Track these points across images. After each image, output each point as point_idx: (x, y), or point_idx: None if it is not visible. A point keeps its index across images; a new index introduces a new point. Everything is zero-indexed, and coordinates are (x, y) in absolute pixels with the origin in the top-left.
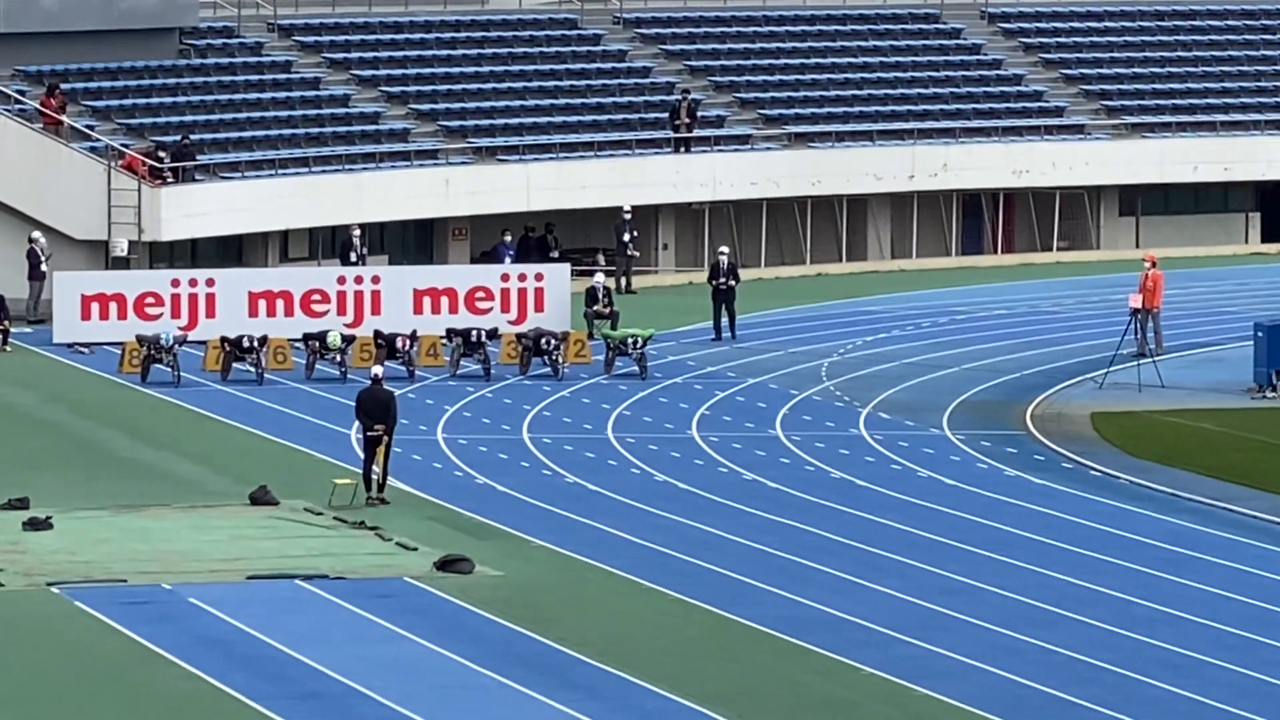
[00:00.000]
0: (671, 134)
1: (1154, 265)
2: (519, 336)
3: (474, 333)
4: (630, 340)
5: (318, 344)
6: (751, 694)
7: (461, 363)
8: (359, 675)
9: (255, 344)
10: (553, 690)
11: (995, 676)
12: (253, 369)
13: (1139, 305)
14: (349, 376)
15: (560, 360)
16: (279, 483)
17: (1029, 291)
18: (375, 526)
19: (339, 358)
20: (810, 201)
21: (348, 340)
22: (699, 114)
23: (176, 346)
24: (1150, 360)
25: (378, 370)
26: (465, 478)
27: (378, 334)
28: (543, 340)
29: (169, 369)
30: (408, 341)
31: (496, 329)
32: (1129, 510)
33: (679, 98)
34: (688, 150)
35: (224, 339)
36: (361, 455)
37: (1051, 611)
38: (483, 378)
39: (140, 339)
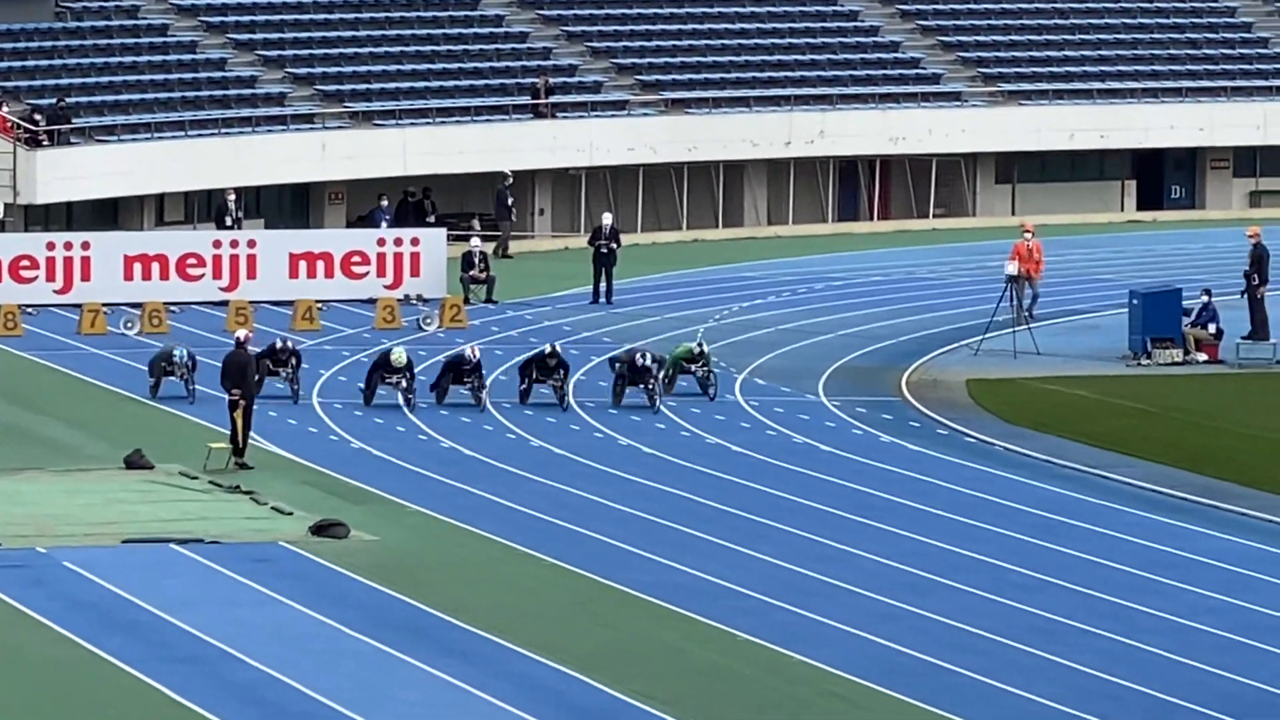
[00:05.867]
0: (535, 103)
1: (1032, 234)
2: (611, 360)
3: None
4: (694, 359)
5: (382, 370)
6: (628, 660)
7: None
8: (234, 639)
9: (292, 354)
10: (427, 655)
11: (871, 643)
12: (287, 384)
13: (1015, 272)
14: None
15: (655, 390)
16: (154, 447)
17: (905, 258)
18: (250, 491)
19: (403, 381)
20: (687, 167)
21: (410, 364)
22: (575, 79)
23: (190, 363)
24: (1026, 327)
25: (241, 333)
26: (340, 442)
27: (447, 365)
28: (638, 358)
29: (182, 382)
30: (474, 354)
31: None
32: (1004, 477)
33: (537, 81)
34: (554, 117)
35: (260, 356)
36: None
37: (927, 578)
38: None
39: (153, 362)
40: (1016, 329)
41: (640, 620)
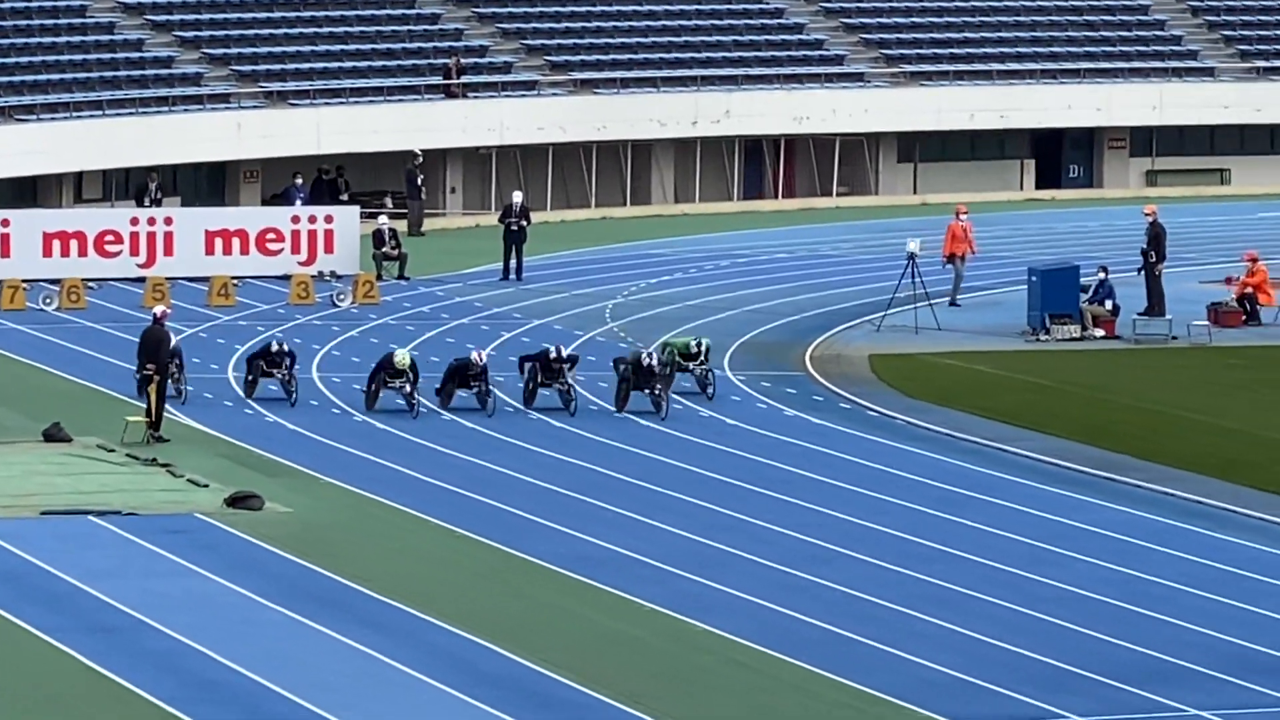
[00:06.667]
0: (447, 83)
1: (966, 214)
2: (615, 362)
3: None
4: (691, 357)
5: (384, 372)
6: (537, 629)
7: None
8: (149, 609)
9: (287, 357)
10: (340, 625)
11: (774, 613)
12: (281, 386)
13: (917, 250)
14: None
15: (662, 395)
16: (72, 420)
17: (809, 236)
18: (167, 463)
19: (407, 386)
20: (596, 146)
21: (414, 366)
22: (486, 59)
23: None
24: (928, 304)
25: (159, 309)
26: (255, 415)
27: (454, 370)
28: (644, 358)
29: (171, 381)
30: (480, 358)
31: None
32: (906, 450)
33: (449, 61)
34: (465, 97)
35: (253, 358)
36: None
37: (830, 549)
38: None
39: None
40: (918, 305)
41: (548, 590)
